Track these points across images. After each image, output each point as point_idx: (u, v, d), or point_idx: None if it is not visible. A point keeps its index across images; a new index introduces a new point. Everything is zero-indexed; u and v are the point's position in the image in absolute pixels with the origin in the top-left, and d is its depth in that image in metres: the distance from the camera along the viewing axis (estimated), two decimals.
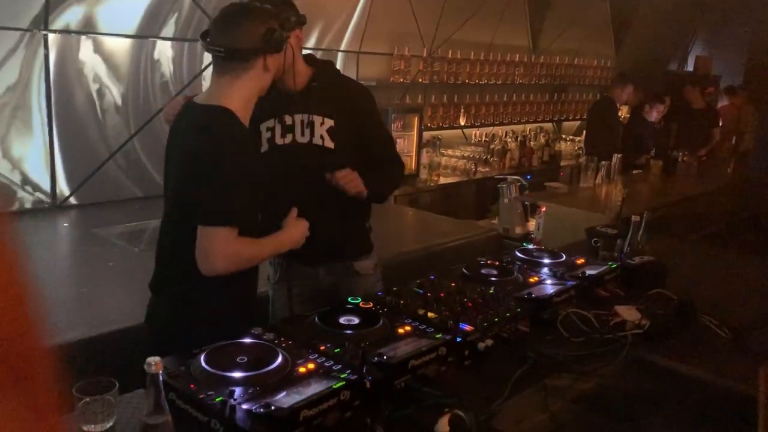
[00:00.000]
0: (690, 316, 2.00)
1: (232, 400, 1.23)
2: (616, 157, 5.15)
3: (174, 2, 3.76)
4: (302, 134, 2.10)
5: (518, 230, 3.63)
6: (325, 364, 1.41)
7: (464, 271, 2.10)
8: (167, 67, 3.88)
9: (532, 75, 6.91)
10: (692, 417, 1.65)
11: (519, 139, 6.59)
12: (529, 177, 4.33)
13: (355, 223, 2.27)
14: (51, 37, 3.35)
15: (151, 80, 3.82)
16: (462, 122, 6.17)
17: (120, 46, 3.65)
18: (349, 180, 1.99)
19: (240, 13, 1.79)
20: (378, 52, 5.26)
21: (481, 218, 4.54)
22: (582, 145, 6.98)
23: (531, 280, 2.05)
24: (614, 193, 4.55)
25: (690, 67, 9.53)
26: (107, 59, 3.60)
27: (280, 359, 1.40)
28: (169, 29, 3.81)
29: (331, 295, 2.15)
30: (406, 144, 5.19)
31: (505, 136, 6.66)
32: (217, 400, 1.24)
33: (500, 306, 1.79)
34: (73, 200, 3.64)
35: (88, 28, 3.47)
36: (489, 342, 1.62)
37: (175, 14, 3.80)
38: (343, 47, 4.91)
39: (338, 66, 4.82)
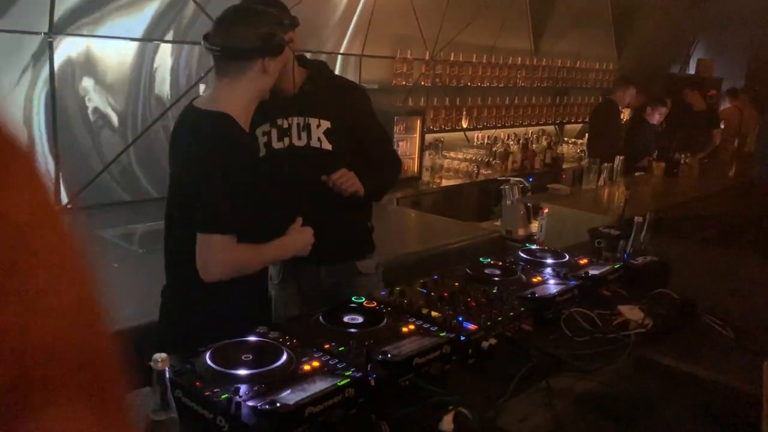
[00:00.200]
0: (693, 315, 2.01)
1: (237, 396, 1.24)
2: (618, 159, 5.16)
3: (177, 11, 3.78)
4: (299, 137, 2.09)
5: (521, 232, 3.63)
6: (330, 362, 1.41)
7: (467, 271, 2.11)
8: (167, 74, 3.89)
9: (534, 78, 6.93)
10: (695, 416, 1.64)
11: (521, 141, 6.60)
12: (531, 179, 4.32)
13: (357, 223, 2.28)
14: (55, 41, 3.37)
15: (150, 87, 3.83)
16: (464, 125, 6.18)
17: (122, 51, 3.66)
18: (345, 180, 2.00)
19: (240, 14, 1.80)
20: (381, 56, 5.28)
21: (483, 220, 4.53)
22: (584, 147, 6.99)
23: (534, 279, 2.06)
24: (616, 195, 4.55)
25: (692, 70, 9.54)
26: (108, 65, 3.62)
27: (284, 357, 1.40)
28: (170, 37, 3.83)
29: (333, 294, 2.15)
30: (409, 146, 5.20)
31: (508, 139, 6.67)
32: (223, 397, 1.25)
33: (504, 305, 1.80)
34: (75, 203, 3.65)
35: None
36: (493, 341, 1.63)
37: (175, 22, 3.82)
38: (342, 50, 4.92)
39: (337, 69, 4.88)
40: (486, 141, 6.48)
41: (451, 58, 5.83)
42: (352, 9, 4.79)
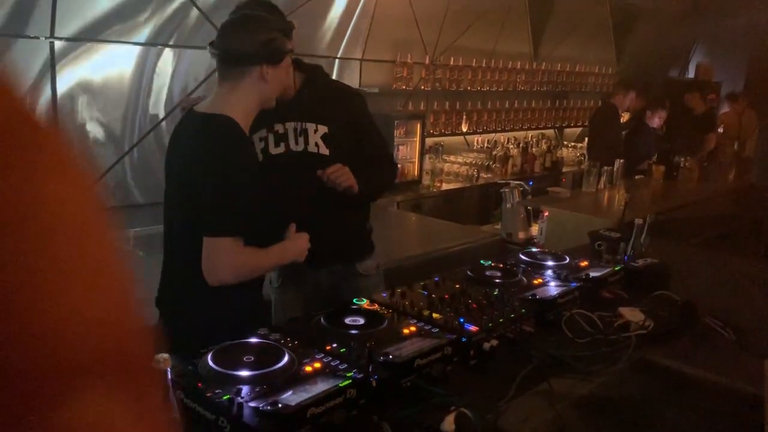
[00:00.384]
0: (694, 317, 2.01)
1: (239, 398, 1.24)
2: (618, 163, 5.17)
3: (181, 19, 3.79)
4: (296, 143, 2.09)
5: (521, 235, 3.64)
6: (332, 363, 1.42)
7: (468, 273, 2.11)
8: (168, 77, 3.90)
9: (533, 82, 6.94)
10: (697, 418, 1.64)
11: (521, 145, 6.61)
12: (531, 183, 4.34)
13: (356, 225, 2.28)
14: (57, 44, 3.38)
15: (154, 85, 3.84)
16: (464, 129, 6.19)
17: (124, 56, 3.68)
18: (340, 174, 2.00)
19: (242, 21, 1.81)
20: (381, 60, 5.29)
21: (483, 223, 4.55)
22: (583, 151, 7.01)
23: (535, 282, 2.06)
24: (616, 198, 4.56)
25: (691, 74, 9.56)
26: (110, 68, 3.63)
27: (286, 358, 1.41)
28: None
29: (333, 297, 2.16)
30: (409, 150, 5.21)
31: (507, 143, 6.68)
32: (225, 398, 1.25)
33: (505, 307, 1.80)
34: None
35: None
36: (494, 342, 1.63)
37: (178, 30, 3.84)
38: (340, 54, 4.93)
39: (336, 73, 4.89)
40: (486, 145, 6.49)
41: (451, 63, 5.85)
42: (349, 13, 4.80)
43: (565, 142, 7.75)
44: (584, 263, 2.28)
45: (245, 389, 1.28)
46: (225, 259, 1.69)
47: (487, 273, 2.11)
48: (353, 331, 1.59)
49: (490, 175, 5.87)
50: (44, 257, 0.32)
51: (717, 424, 1.61)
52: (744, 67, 9.30)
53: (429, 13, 5.39)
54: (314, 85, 2.12)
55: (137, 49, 3.70)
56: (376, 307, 1.76)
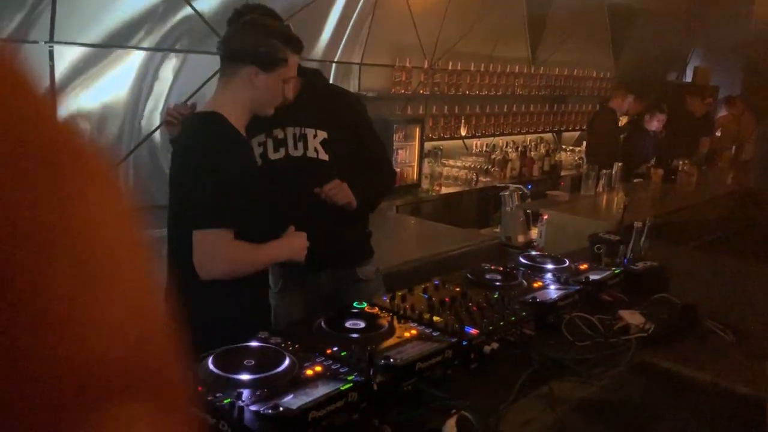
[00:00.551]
0: (694, 320, 2.01)
1: (240, 401, 1.23)
2: (616, 166, 5.18)
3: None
4: (295, 148, 2.09)
5: (520, 238, 3.64)
6: (332, 366, 1.41)
7: (468, 276, 2.11)
8: (169, 80, 3.90)
9: (531, 86, 6.96)
10: (698, 420, 1.64)
11: (519, 149, 6.62)
12: (530, 186, 4.34)
13: (356, 230, 2.28)
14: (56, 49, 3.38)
15: (155, 88, 3.85)
16: (463, 133, 6.20)
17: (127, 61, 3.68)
18: (338, 191, 2.00)
19: (249, 22, 1.83)
20: (379, 64, 5.30)
21: (483, 227, 4.55)
22: (582, 155, 7.02)
23: (535, 285, 2.06)
24: (615, 201, 4.56)
25: (688, 78, 9.59)
26: (112, 71, 3.63)
27: (287, 362, 1.40)
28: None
29: (333, 301, 2.15)
30: (408, 154, 5.22)
31: (506, 147, 6.69)
32: (226, 401, 1.24)
33: (505, 310, 1.80)
34: None
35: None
36: (495, 345, 1.63)
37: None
38: (337, 58, 4.94)
39: (332, 77, 4.90)
40: (484, 149, 6.50)
41: (450, 67, 5.86)
42: (347, 17, 4.81)
43: (564, 146, 7.76)
44: (584, 266, 2.28)
45: (246, 393, 1.27)
46: (214, 251, 1.69)
47: (487, 276, 2.11)
48: (354, 335, 1.59)
49: (488, 179, 5.88)
50: (85, 279, 0.32)
51: (718, 426, 1.61)
52: (740, 71, 9.33)
53: (427, 17, 5.41)
54: (313, 89, 2.12)
55: (136, 66, 3.70)
56: (376, 310, 1.76)
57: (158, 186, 3.57)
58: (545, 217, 3.57)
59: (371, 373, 1.37)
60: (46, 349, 0.31)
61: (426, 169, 5.36)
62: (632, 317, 1.93)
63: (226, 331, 1.58)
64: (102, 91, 3.61)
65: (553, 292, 2.00)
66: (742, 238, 4.89)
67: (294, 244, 1.88)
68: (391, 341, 1.55)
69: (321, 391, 1.30)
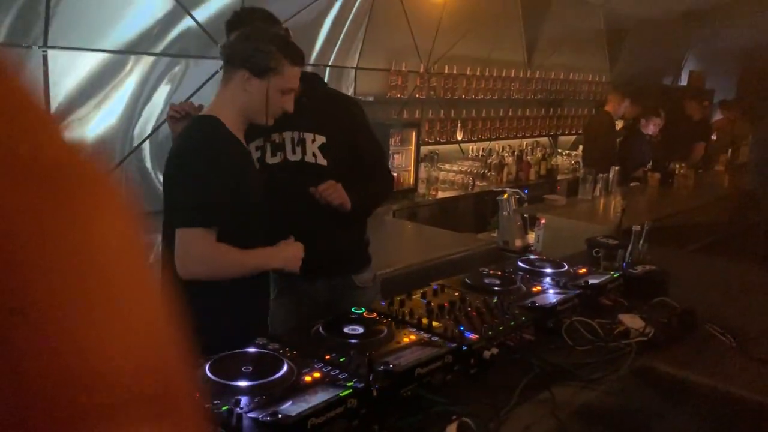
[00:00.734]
0: (693, 324, 2.00)
1: (238, 408, 1.22)
2: (614, 170, 5.18)
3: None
4: (293, 152, 2.08)
5: (518, 243, 3.63)
6: (331, 372, 1.40)
7: (467, 281, 2.10)
8: (166, 84, 3.89)
9: (527, 90, 6.96)
10: (699, 425, 1.64)
11: (516, 153, 6.62)
12: (526, 191, 4.34)
13: (354, 237, 2.27)
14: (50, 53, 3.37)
15: (151, 94, 3.83)
16: (459, 137, 6.20)
17: (120, 62, 3.66)
18: (332, 192, 1.98)
19: (252, 27, 1.83)
20: (375, 68, 5.30)
21: (480, 231, 4.54)
22: (578, 159, 7.02)
23: (534, 289, 2.05)
24: (613, 205, 4.56)
25: (683, 82, 9.62)
26: (104, 75, 3.62)
27: (285, 368, 1.39)
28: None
29: (329, 308, 2.14)
30: (404, 159, 5.21)
31: (502, 151, 6.69)
32: (224, 409, 1.23)
33: (505, 315, 1.79)
34: None
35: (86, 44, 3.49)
36: (494, 350, 1.61)
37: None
38: (331, 62, 4.93)
39: (327, 81, 4.87)
40: (481, 153, 6.50)
41: (446, 71, 5.86)
42: (341, 21, 4.80)
43: (560, 150, 7.77)
44: (583, 270, 2.27)
45: (244, 400, 1.26)
46: (193, 250, 1.69)
47: (486, 280, 2.10)
48: (353, 341, 1.58)
49: (485, 183, 5.88)
50: (95, 297, 0.32)
51: (719, 430, 1.60)
52: (736, 75, 9.37)
53: (423, 21, 5.41)
54: (312, 93, 2.10)
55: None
56: (375, 315, 1.75)
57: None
58: (542, 221, 3.56)
59: (371, 379, 1.35)
60: (51, 363, 0.30)
61: (422, 173, 5.35)
62: (632, 321, 1.93)
63: (223, 337, 1.57)
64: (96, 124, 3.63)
65: (552, 296, 1.99)
66: (740, 241, 4.91)
67: (287, 253, 1.86)
68: (390, 347, 1.54)
69: (320, 397, 1.28)
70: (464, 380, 1.57)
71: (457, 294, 1.95)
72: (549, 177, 6.72)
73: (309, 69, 2.28)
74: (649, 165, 6.02)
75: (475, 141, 6.44)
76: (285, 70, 1.79)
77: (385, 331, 1.62)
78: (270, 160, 2.08)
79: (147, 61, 3.77)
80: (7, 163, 0.30)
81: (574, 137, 8.00)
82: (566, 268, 2.28)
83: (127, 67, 3.70)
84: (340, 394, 1.29)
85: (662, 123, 6.07)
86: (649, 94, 7.49)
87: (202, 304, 1.76)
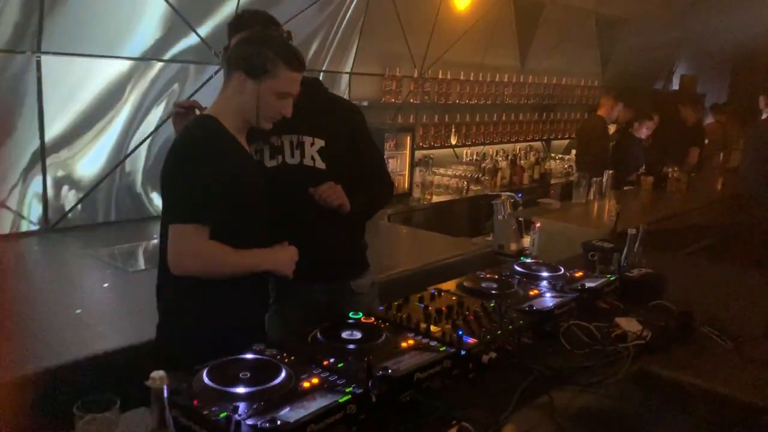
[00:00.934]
0: (690, 327, 2.01)
1: (236, 415, 1.21)
2: (607, 174, 5.20)
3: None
4: (292, 156, 2.07)
5: (513, 246, 3.63)
6: (329, 378, 1.39)
7: (464, 285, 2.10)
8: (163, 90, 3.88)
9: (521, 95, 6.99)
10: (696, 427, 1.64)
11: (509, 157, 6.64)
12: (520, 195, 4.34)
13: (351, 242, 2.25)
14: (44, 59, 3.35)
15: (144, 103, 3.82)
16: (453, 141, 6.21)
17: (115, 69, 3.65)
18: (331, 193, 1.98)
19: (250, 34, 1.83)
20: (369, 73, 5.30)
21: (474, 235, 4.53)
22: (571, 163, 7.05)
23: (531, 293, 2.05)
24: (607, 209, 4.58)
25: (675, 86, 9.68)
26: (101, 82, 3.60)
27: (283, 374, 1.38)
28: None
29: (327, 314, 2.12)
30: (399, 163, 5.21)
31: (496, 155, 6.70)
32: (222, 415, 1.22)
33: (502, 319, 1.78)
34: (66, 223, 3.62)
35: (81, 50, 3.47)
36: (493, 354, 1.61)
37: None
38: (324, 67, 4.93)
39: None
40: (475, 157, 6.51)
41: (440, 76, 5.87)
42: (333, 26, 4.79)
43: (553, 154, 7.80)
44: (579, 274, 2.27)
45: (242, 406, 1.25)
46: (186, 246, 1.69)
47: (483, 284, 2.10)
48: (351, 346, 1.57)
49: (479, 188, 5.89)
50: None
51: None
52: (726, 78, 9.44)
53: (417, 26, 5.42)
54: (312, 98, 2.10)
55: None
56: (372, 320, 1.74)
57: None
58: (537, 225, 3.56)
59: (369, 384, 1.34)
60: None
61: (417, 177, 5.35)
62: (629, 324, 1.93)
63: (220, 342, 1.56)
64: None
65: (549, 300, 1.98)
66: (733, 243, 4.93)
67: (280, 257, 1.85)
68: (388, 352, 1.53)
69: (318, 403, 1.28)
70: (463, 385, 1.57)
71: (454, 298, 1.94)
72: (542, 181, 6.74)
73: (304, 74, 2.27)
74: (643, 169, 6.04)
75: (469, 145, 6.46)
76: (280, 72, 1.78)
77: (384, 336, 1.62)
78: (268, 163, 2.07)
79: (147, 68, 3.76)
80: None
81: (567, 141, 8.03)
82: (562, 271, 2.28)
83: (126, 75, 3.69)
84: (339, 400, 1.29)
85: (655, 126, 6.10)
86: (642, 98, 7.52)
87: (199, 308, 1.76)
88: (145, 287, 1.95)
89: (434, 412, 1.41)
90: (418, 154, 5.63)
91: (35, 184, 3.46)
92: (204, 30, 3.90)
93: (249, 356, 1.49)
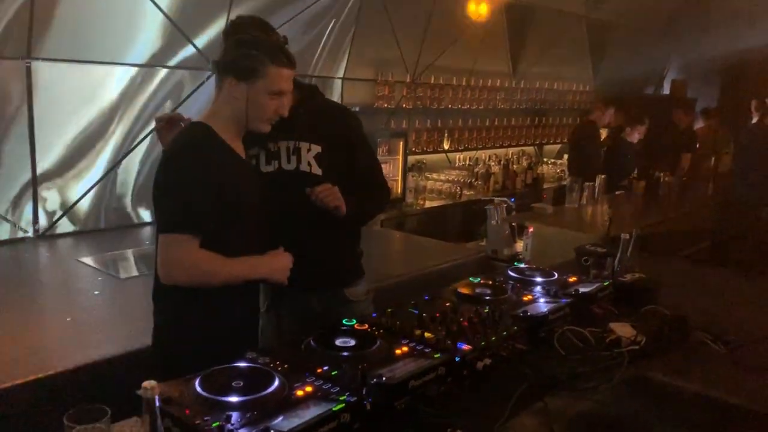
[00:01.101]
0: (684, 331, 2.01)
1: (229, 425, 1.19)
2: (600, 178, 5.21)
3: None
4: (288, 161, 2.06)
5: (506, 251, 3.62)
6: (323, 386, 1.38)
7: (458, 290, 2.09)
8: (156, 97, 3.86)
9: (513, 100, 7.01)
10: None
11: (502, 162, 6.65)
12: (513, 200, 4.35)
13: (346, 249, 2.24)
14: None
15: (136, 110, 3.80)
16: (446, 146, 6.22)
17: (107, 75, 3.63)
18: (328, 194, 1.97)
19: (232, 34, 1.81)
20: (362, 78, 5.30)
21: (468, 241, 4.53)
22: (563, 168, 7.07)
23: (525, 298, 2.04)
24: (600, 213, 4.59)
25: (666, 91, 9.73)
26: (92, 89, 3.58)
27: (276, 383, 1.37)
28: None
29: (321, 322, 2.10)
30: (392, 168, 5.21)
31: (489, 160, 6.72)
32: (214, 425, 1.20)
33: (497, 325, 1.78)
34: (56, 230, 3.59)
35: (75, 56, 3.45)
36: (487, 361, 1.60)
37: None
38: (316, 72, 4.92)
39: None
40: (468, 162, 6.53)
41: (432, 81, 5.89)
42: (324, 31, 4.79)
43: (545, 159, 7.82)
44: (573, 279, 2.27)
45: (235, 416, 1.23)
46: (175, 255, 1.67)
47: (477, 290, 2.09)
48: (344, 353, 1.55)
49: (472, 192, 5.89)
50: None
51: None
52: (717, 83, 9.49)
53: (409, 32, 5.43)
54: (309, 104, 2.09)
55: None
56: (366, 327, 1.73)
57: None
58: (531, 229, 3.56)
59: (363, 392, 1.33)
60: None
61: (410, 182, 5.35)
62: (623, 330, 1.92)
63: (212, 351, 1.54)
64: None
65: (543, 305, 1.98)
66: (726, 248, 4.95)
67: (275, 263, 1.84)
68: (382, 359, 1.52)
69: (312, 412, 1.26)
70: (458, 391, 1.56)
71: (448, 304, 1.93)
72: (535, 186, 6.76)
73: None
74: (635, 173, 6.07)
75: (461, 150, 6.47)
76: (269, 71, 1.76)
77: (378, 343, 1.61)
78: (265, 168, 2.06)
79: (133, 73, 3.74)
80: None
81: (559, 146, 8.06)
82: (556, 276, 2.28)
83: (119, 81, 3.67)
84: (333, 409, 1.27)
85: (645, 129, 6.12)
86: (633, 103, 7.56)
87: (192, 315, 1.74)
88: (136, 293, 1.93)
89: (429, 420, 1.39)
90: (411, 159, 5.64)
91: (25, 191, 3.43)
92: (201, 41, 3.89)
93: (242, 364, 1.48)
